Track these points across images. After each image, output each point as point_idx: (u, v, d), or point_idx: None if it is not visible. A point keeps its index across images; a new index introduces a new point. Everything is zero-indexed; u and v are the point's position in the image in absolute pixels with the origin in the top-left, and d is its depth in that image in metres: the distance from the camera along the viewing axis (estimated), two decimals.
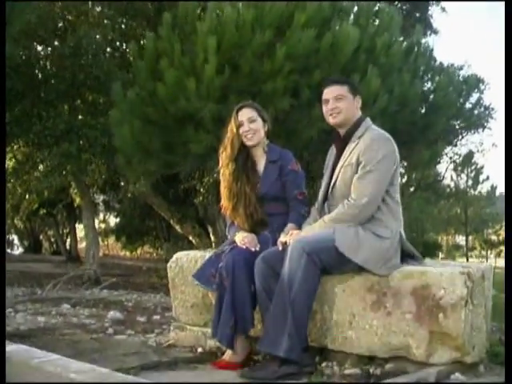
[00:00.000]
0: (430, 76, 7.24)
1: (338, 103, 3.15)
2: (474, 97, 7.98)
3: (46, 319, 4.85)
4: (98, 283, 9.41)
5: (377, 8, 7.05)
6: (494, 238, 29.25)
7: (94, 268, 10.10)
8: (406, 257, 3.16)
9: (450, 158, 16.56)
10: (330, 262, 2.96)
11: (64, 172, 8.64)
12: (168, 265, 3.96)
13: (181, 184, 10.53)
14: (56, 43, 8.91)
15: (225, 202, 3.57)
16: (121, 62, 8.39)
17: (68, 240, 23.43)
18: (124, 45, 9.20)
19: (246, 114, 3.54)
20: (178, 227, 12.45)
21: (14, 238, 26.60)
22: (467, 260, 27.22)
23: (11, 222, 18.73)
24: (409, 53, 7.03)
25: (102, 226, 26.23)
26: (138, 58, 6.72)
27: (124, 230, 23.23)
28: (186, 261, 3.85)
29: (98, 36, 7.85)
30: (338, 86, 3.18)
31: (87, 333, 4.33)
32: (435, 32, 14.84)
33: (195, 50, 6.04)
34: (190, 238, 12.78)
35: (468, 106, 7.54)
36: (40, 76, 8.06)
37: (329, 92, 3.20)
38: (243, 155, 3.56)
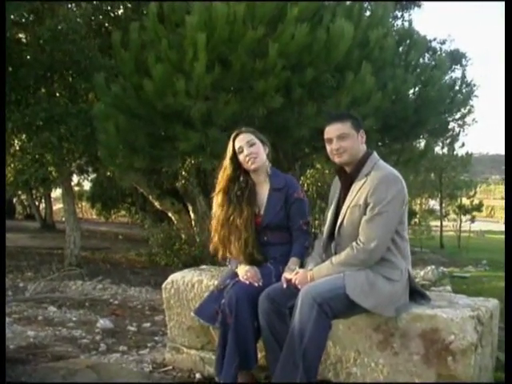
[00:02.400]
0: (421, 70, 7.05)
1: (341, 142, 3.01)
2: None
3: (34, 332, 4.72)
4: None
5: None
6: (467, 203, 29.56)
7: (76, 253, 9.92)
8: (413, 294, 3.11)
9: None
10: (340, 309, 2.89)
11: (44, 161, 8.34)
12: (163, 286, 3.88)
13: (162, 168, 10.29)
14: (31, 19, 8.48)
15: (217, 234, 3.43)
16: (102, 45, 8.01)
17: (42, 205, 23.10)
18: (106, 26, 8.77)
19: (243, 138, 3.36)
20: (156, 203, 12.27)
21: None
22: (441, 224, 27.65)
23: None
24: (400, 43, 6.87)
25: (76, 188, 25.89)
26: (121, 47, 6.43)
27: (99, 197, 23.05)
28: (183, 284, 3.77)
29: (78, 19, 7.43)
30: (339, 124, 3.03)
31: (79, 350, 4.28)
32: (418, 6, 14.68)
33: (184, 44, 5.79)
34: (170, 214, 12.64)
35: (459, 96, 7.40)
36: (17, 60, 7.65)
37: (331, 131, 3.05)
38: (240, 184, 3.42)
